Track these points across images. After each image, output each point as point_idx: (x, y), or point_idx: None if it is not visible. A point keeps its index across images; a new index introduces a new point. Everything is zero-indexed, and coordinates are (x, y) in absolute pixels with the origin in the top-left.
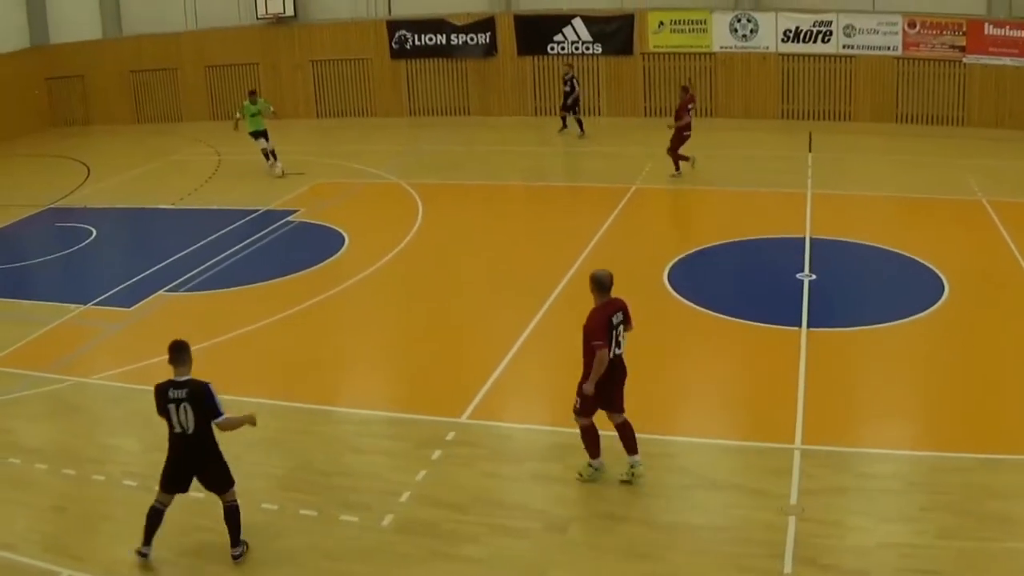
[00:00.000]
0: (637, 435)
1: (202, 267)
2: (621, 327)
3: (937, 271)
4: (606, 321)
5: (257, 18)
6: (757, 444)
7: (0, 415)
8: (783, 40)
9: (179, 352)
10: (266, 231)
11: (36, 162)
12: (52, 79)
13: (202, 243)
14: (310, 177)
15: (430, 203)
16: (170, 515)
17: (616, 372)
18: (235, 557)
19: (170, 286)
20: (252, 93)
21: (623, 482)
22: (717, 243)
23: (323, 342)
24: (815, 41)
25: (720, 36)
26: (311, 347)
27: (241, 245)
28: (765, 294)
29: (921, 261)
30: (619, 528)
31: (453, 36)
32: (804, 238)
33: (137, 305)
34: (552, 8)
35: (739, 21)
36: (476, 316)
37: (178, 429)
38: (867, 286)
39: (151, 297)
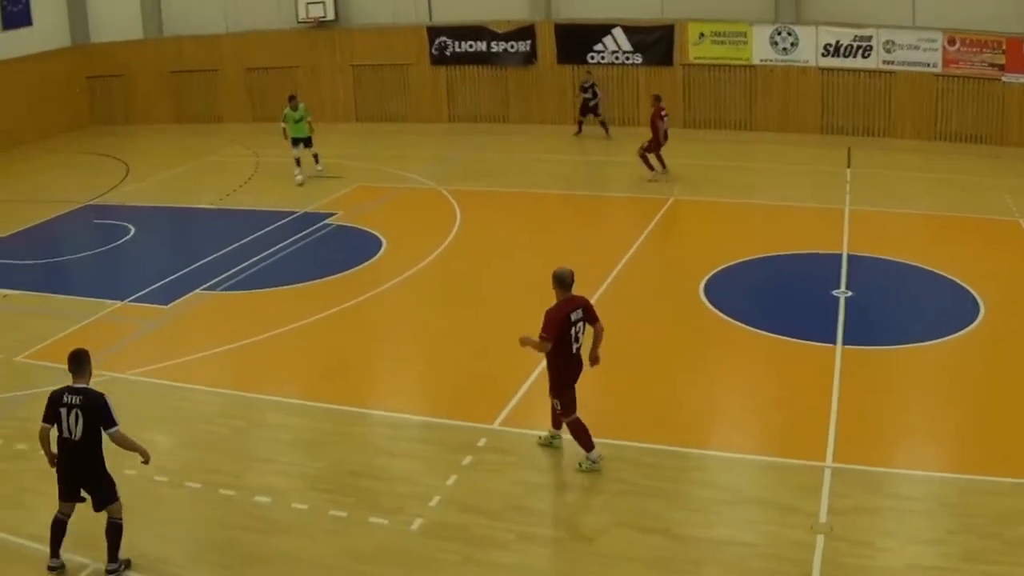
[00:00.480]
0: (674, 448)
1: (239, 267)
2: (581, 323)
3: (973, 291)
4: (563, 317)
5: (298, 21)
6: (788, 461)
7: (35, 408)
8: (823, 54)
9: (78, 362)
10: (304, 233)
11: (76, 159)
12: (93, 78)
13: (240, 243)
14: (348, 181)
15: (468, 209)
16: (200, 510)
17: (571, 367)
18: (108, 572)
19: (207, 285)
20: (292, 98)
21: (539, 443)
22: (754, 257)
23: (358, 345)
24: (855, 56)
25: (760, 49)
26: (346, 349)
27: (279, 246)
28: (801, 310)
29: (957, 281)
30: (647, 540)
31: (493, 43)
32: (841, 254)
33: (173, 303)
34: (592, 17)
35: (779, 34)
36: (510, 323)
37: (66, 434)
38: (903, 304)
39: (188, 296)
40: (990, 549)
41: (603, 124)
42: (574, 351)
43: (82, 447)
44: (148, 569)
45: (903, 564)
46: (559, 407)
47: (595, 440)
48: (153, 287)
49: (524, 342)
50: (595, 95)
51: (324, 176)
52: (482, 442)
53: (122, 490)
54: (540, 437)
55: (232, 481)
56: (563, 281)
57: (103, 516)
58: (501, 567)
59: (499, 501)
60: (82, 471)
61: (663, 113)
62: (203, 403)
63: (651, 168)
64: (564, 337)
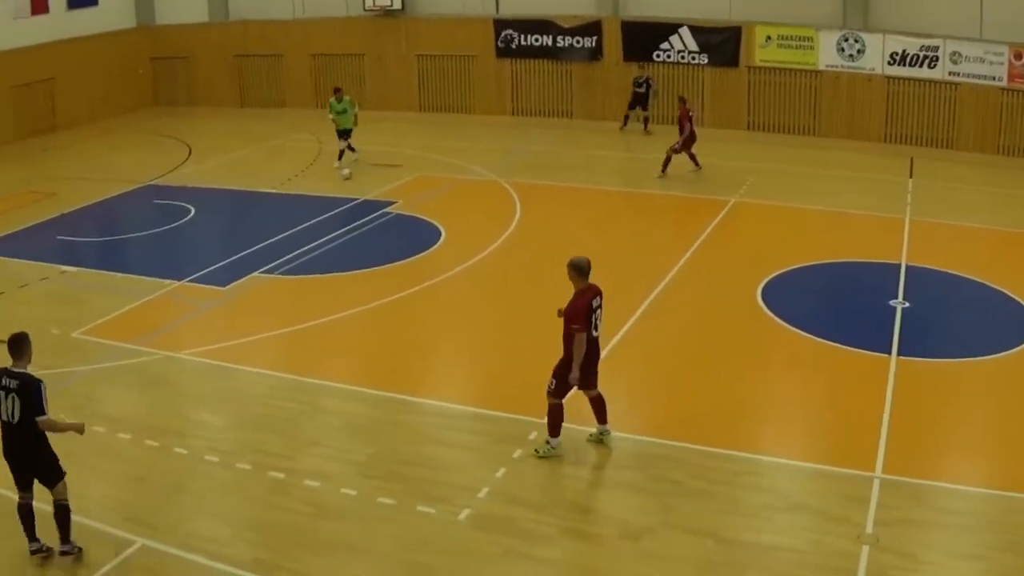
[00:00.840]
0: (725, 451)
1: (297, 252)
2: (599, 311)
3: None
4: (587, 305)
5: (364, 9)
6: (838, 469)
7: (89, 383)
8: (889, 63)
9: (18, 345)
10: (363, 221)
11: (138, 139)
12: (157, 59)
13: (298, 228)
14: (410, 170)
15: (528, 203)
16: (249, 491)
17: (593, 353)
18: (62, 553)
19: (264, 268)
20: (337, 91)
21: (590, 440)
22: (813, 262)
23: (412, 333)
24: (921, 66)
25: (827, 55)
26: (401, 337)
27: (337, 233)
28: (857, 318)
29: (1015, 297)
30: (693, 542)
31: (559, 38)
32: (900, 264)
33: (231, 285)
34: (660, 15)
35: (846, 40)
36: None
37: (5, 417)
38: (960, 318)
39: (245, 278)
40: None
41: (646, 119)
42: (592, 337)
43: (21, 429)
44: (195, 547)
45: None
46: (553, 386)
47: (644, 439)
48: (211, 268)
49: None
50: (649, 87)
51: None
52: (533, 435)
53: (174, 470)
54: (591, 434)
55: (282, 464)
56: (581, 269)
57: (146, 490)
58: (546, 561)
59: (547, 495)
60: (22, 453)
61: (691, 114)
62: (256, 385)
63: (664, 169)
64: (589, 325)
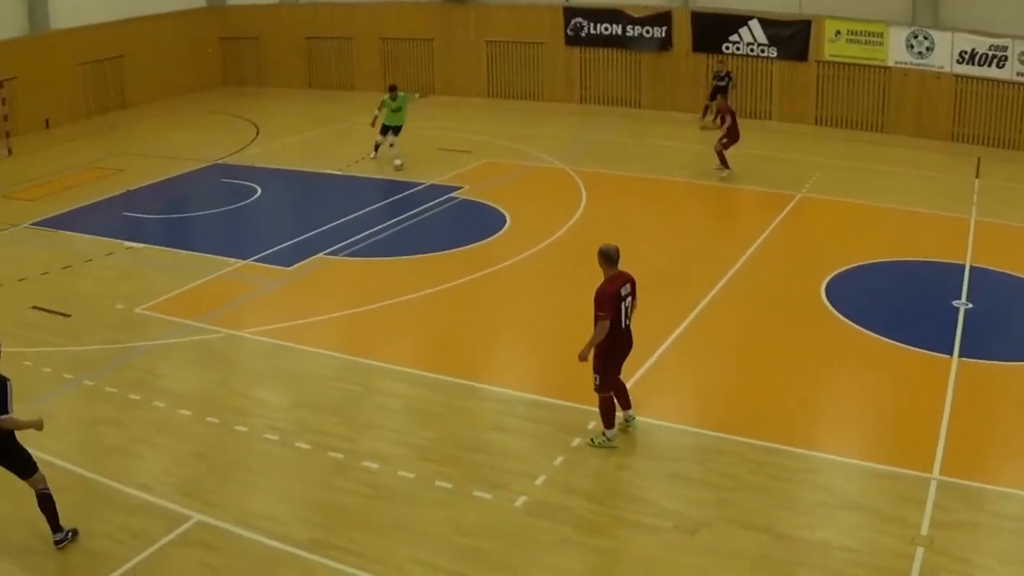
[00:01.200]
0: (784, 447)
1: (362, 234)
2: (630, 299)
3: None
4: (615, 293)
5: None
6: (895, 469)
7: (151, 359)
8: (958, 61)
9: None
10: (429, 205)
11: (207, 118)
12: (226, 39)
13: (365, 211)
14: (477, 156)
15: (594, 192)
16: (308, 471)
17: (621, 343)
18: (57, 543)
19: (330, 250)
20: (392, 88)
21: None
22: (876, 260)
23: (475, 319)
24: (990, 65)
25: (896, 51)
26: (463, 322)
27: (403, 216)
28: (919, 318)
29: None
30: (749, 536)
31: (629, 27)
32: (964, 265)
33: (296, 265)
34: (730, 7)
35: (915, 37)
36: None
37: None
38: (1023, 321)
39: (310, 259)
40: None
41: (718, 111)
42: (623, 326)
43: None
44: (253, 525)
45: None
46: (598, 381)
47: (704, 432)
48: (276, 248)
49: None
50: (729, 80)
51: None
52: (591, 424)
53: (233, 447)
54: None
55: (341, 444)
56: (609, 257)
57: (205, 466)
58: (600, 551)
59: (604, 485)
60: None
61: (732, 110)
62: (318, 365)
63: (727, 166)
64: (616, 312)
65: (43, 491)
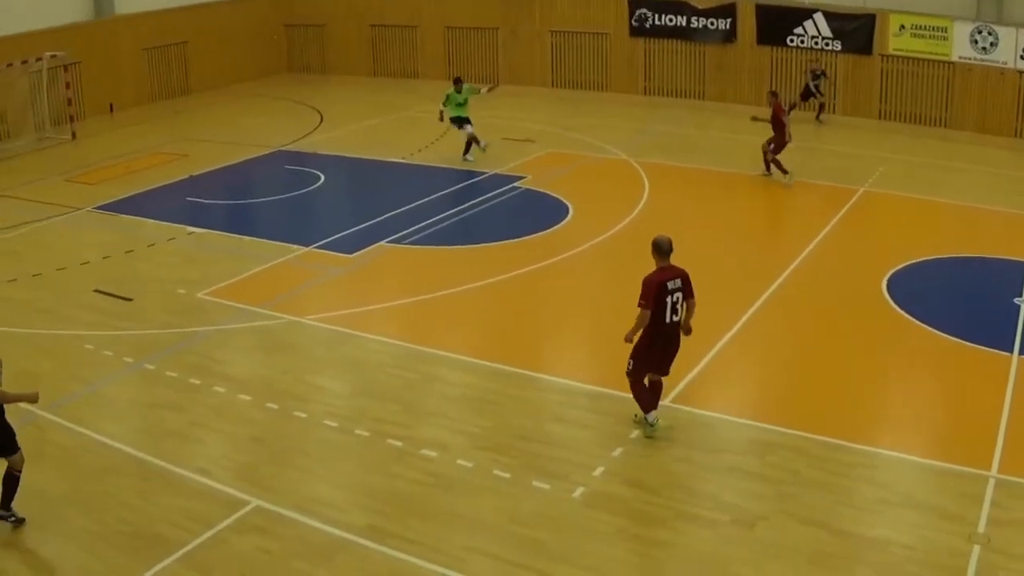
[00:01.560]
0: (843, 442)
1: (425, 223)
2: (679, 295)
3: None
4: (659, 285)
5: None
6: (953, 467)
7: (212, 344)
8: (1022, 57)
9: None
10: (492, 194)
11: (271, 104)
12: (291, 26)
13: (427, 199)
14: (541, 146)
15: (657, 184)
16: (367, 458)
17: (664, 338)
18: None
19: (392, 238)
20: (457, 81)
21: (635, 422)
22: (939, 256)
23: (535, 309)
24: None
25: (960, 46)
26: (523, 312)
27: (466, 205)
28: (981, 315)
29: None
30: (806, 531)
31: (693, 19)
32: None
33: (358, 253)
34: (794, 0)
35: (979, 33)
36: None
37: None
38: None
39: (372, 246)
40: None
41: (820, 106)
42: (668, 320)
43: None
44: (310, 511)
45: None
46: (630, 366)
47: (764, 426)
48: (339, 235)
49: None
50: (824, 77)
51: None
52: (651, 417)
53: (292, 433)
54: (635, 415)
55: (400, 432)
56: (660, 248)
57: (264, 451)
58: (657, 544)
59: (662, 477)
60: None
61: (785, 109)
62: (378, 353)
63: (784, 171)
64: (660, 304)
65: (15, 472)
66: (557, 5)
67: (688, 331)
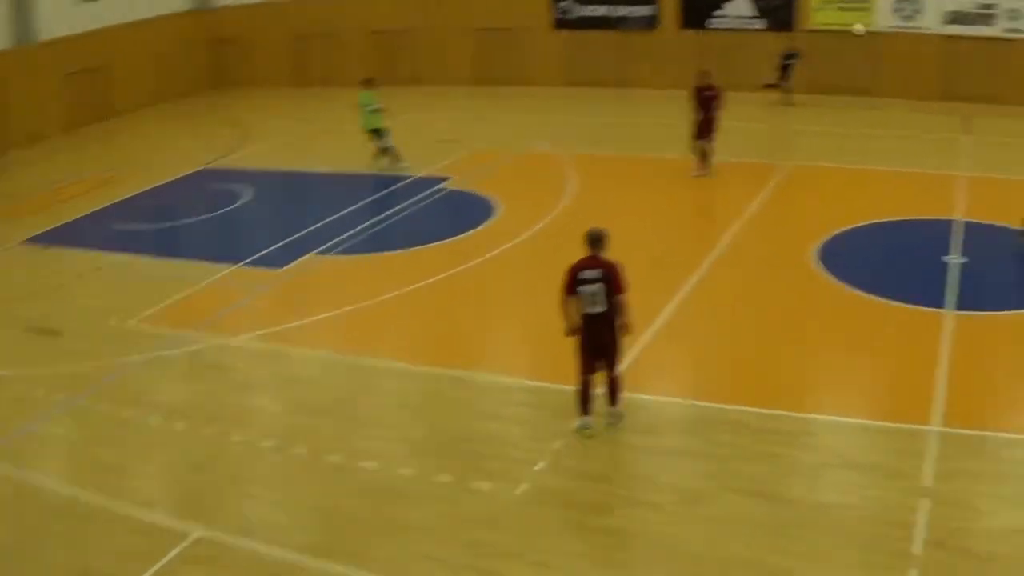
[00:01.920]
0: (783, 412)
1: (353, 231)
2: (598, 286)
3: None
4: (570, 273)
5: None
6: (895, 425)
7: (144, 373)
8: (945, 21)
9: None
10: (418, 197)
11: (196, 122)
12: (213, 41)
13: (354, 208)
14: (465, 145)
15: (584, 175)
16: (307, 476)
17: (588, 331)
18: None
19: (320, 249)
20: (368, 81)
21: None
22: (868, 222)
23: (467, 309)
24: (977, 24)
25: (884, 15)
26: (453, 314)
27: (393, 211)
28: (912, 275)
29: None
30: (755, 504)
31: (615, 7)
32: (955, 220)
33: (287, 267)
34: None
35: (902, 1)
36: None
37: None
38: (1017, 270)
39: (301, 259)
40: None
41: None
42: (589, 312)
43: None
44: (256, 536)
45: (1008, 527)
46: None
47: (701, 404)
48: (267, 250)
49: (567, 333)
50: (797, 58)
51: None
52: (580, 421)
53: (231, 457)
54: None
55: (338, 446)
56: (586, 238)
57: (204, 478)
58: (607, 531)
59: (605, 465)
60: None
61: (708, 92)
62: (312, 367)
63: (703, 166)
64: (574, 293)
65: None
66: (478, 2)
67: (624, 330)
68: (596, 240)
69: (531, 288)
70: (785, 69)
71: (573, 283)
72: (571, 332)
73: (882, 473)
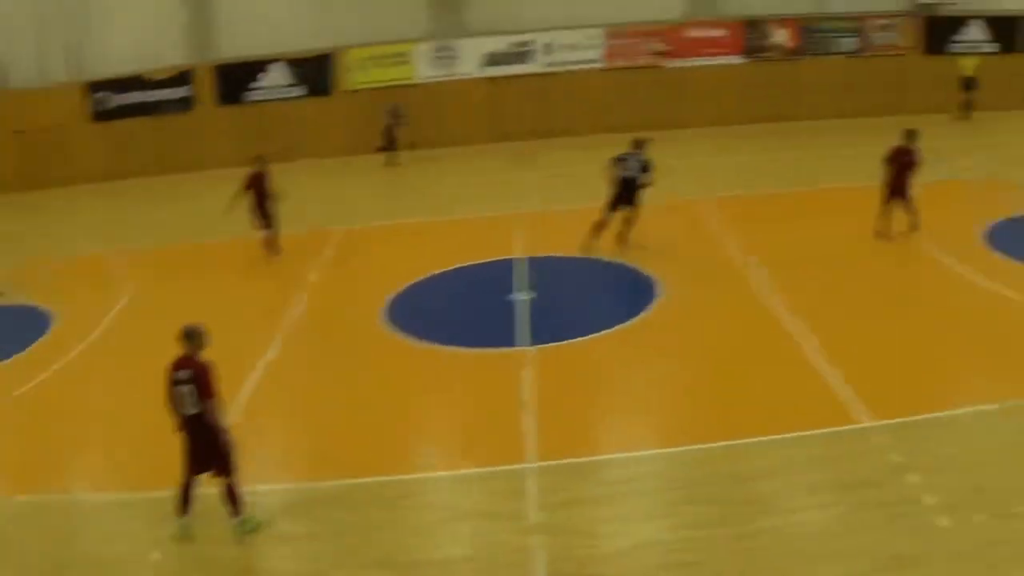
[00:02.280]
0: (385, 478)
1: None
2: (188, 387)
3: (651, 274)
4: (167, 374)
5: None
6: (494, 469)
7: None
8: (486, 64)
9: None
10: None
11: None
12: None
13: None
14: (11, 256)
15: (136, 273)
16: None
17: (185, 433)
18: None
19: None
20: None
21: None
22: (430, 274)
23: (41, 428)
24: (518, 63)
25: (424, 66)
26: (27, 435)
27: None
28: (481, 319)
29: (632, 266)
30: (376, 574)
31: (152, 92)
32: (517, 259)
33: None
34: (253, 54)
35: (440, 50)
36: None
37: None
38: (584, 297)
39: None
40: (716, 513)
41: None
42: (183, 414)
43: None
44: None
45: (631, 544)
46: None
47: (306, 485)
48: None
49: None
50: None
51: None
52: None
53: None
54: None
55: None
56: (180, 336)
57: None
58: None
59: (209, 569)
60: None
61: (260, 180)
62: None
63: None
64: (168, 396)
65: None
66: (20, 101)
67: (220, 434)
68: (188, 337)
69: (107, 393)
70: (389, 130)
71: (169, 383)
72: (177, 429)
73: (490, 518)
